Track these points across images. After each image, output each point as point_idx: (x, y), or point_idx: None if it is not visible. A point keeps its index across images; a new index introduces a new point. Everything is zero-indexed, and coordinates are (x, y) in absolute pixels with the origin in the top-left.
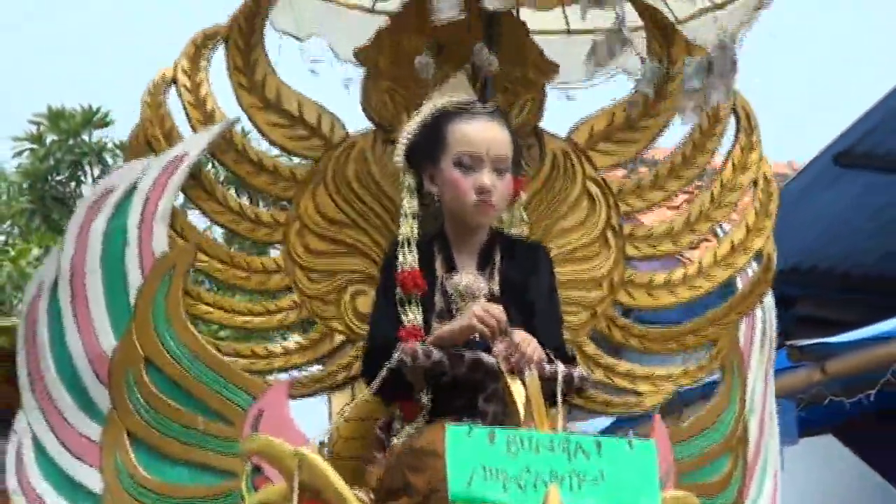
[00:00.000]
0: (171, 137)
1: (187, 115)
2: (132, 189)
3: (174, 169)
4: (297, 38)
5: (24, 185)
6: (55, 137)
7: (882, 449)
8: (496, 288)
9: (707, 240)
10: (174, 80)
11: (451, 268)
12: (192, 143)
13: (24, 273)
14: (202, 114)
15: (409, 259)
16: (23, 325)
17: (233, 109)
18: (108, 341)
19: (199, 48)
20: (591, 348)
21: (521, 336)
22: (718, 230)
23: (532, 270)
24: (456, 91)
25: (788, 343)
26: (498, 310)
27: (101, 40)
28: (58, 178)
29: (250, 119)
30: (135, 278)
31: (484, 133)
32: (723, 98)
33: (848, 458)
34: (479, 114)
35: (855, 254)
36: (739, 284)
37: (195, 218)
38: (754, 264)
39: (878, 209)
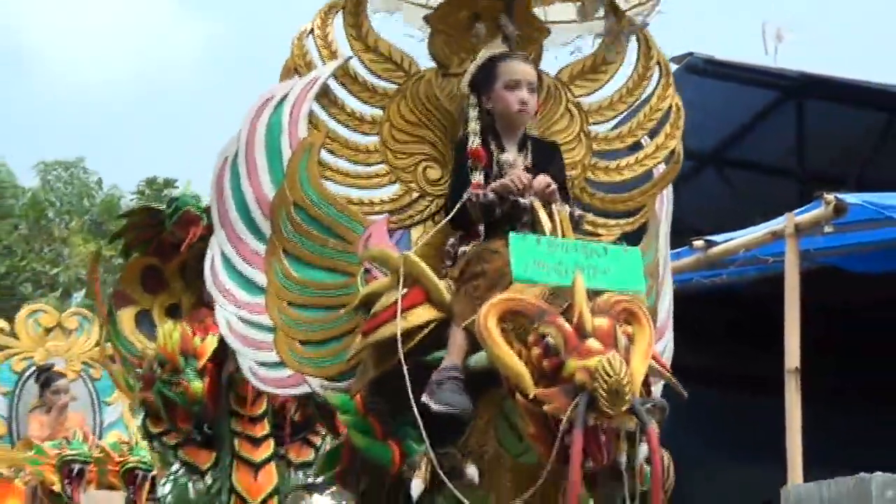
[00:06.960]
0: (309, 66)
1: (319, 52)
2: (285, 97)
3: (311, 85)
4: (387, 12)
5: None
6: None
7: None
8: (529, 162)
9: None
10: (311, 31)
11: (501, 150)
12: (323, 70)
13: None
14: (329, 52)
15: (475, 142)
16: (214, 182)
17: (347, 51)
18: (269, 190)
19: (327, 12)
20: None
21: (540, 178)
22: (646, 138)
23: (551, 155)
24: (496, 46)
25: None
26: (526, 177)
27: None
28: None
29: (358, 57)
30: (286, 152)
31: (520, 67)
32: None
33: None
34: (515, 57)
35: None
36: (656, 172)
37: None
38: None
39: None
